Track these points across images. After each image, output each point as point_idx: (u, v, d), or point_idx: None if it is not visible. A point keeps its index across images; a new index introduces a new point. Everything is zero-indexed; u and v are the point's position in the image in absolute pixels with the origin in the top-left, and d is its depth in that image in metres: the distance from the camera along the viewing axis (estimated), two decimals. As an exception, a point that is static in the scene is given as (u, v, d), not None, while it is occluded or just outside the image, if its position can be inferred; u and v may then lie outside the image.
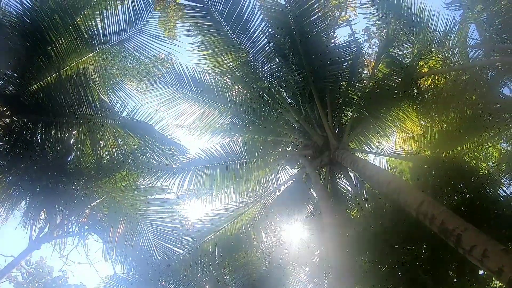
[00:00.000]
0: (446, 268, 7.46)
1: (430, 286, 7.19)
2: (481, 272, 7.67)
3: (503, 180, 9.14)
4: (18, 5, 7.37)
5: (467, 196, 8.23)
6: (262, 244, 9.00)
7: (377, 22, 9.33)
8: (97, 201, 7.78)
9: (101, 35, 7.78)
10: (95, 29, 7.71)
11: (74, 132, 7.95)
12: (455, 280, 7.52)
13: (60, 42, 7.49)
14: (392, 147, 9.22)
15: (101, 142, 7.76)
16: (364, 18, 9.37)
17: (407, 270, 7.26)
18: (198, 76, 8.43)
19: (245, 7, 7.74)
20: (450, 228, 4.64)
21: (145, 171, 7.78)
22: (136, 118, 7.37)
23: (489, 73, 8.34)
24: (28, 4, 7.29)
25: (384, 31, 8.54)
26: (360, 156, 8.58)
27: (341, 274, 8.19)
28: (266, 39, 8.04)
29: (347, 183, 8.83)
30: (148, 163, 7.72)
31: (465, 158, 8.89)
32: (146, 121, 7.27)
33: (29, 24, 7.38)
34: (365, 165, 6.57)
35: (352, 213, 9.24)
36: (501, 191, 8.77)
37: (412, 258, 7.43)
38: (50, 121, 7.64)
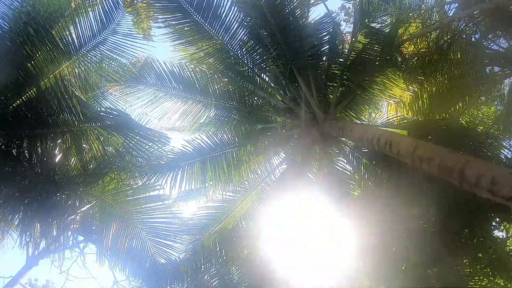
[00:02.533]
0: (459, 232, 6.60)
1: (442, 252, 6.36)
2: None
3: (503, 142, 8.30)
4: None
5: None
6: (265, 235, 8.14)
7: (351, -3, 8.79)
8: (87, 206, 7.11)
9: (76, 42, 7.36)
10: (69, 37, 7.28)
11: (59, 141, 7.35)
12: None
13: (37, 55, 7.03)
14: (385, 118, 8.47)
15: (85, 146, 7.15)
16: (337, -5, 8.82)
17: (416, 237, 6.40)
18: (177, 71, 8.04)
19: (213, -7, 7.19)
20: (450, 165, 3.90)
21: (133, 171, 7.11)
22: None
23: (471, 25, 7.64)
24: (6, 27, 7.02)
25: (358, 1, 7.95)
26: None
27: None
28: (238, 23, 7.48)
29: (344, 160, 8.04)
30: (136, 162, 7.07)
31: (461, 121, 8.11)
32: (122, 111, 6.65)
33: (8, 45, 6.94)
34: (353, 127, 6.00)
35: (354, 193, 8.39)
36: (503, 153, 7.93)
37: (420, 224, 6.61)
38: (35, 134, 7.19)
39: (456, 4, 8.04)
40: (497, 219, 7.18)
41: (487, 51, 8.12)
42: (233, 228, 8.10)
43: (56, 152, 7.43)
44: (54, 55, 7.13)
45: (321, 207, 8.36)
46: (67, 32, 7.34)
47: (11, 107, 7.17)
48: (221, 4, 7.43)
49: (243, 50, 7.92)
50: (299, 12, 7.72)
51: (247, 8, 7.61)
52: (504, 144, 8.22)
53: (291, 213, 8.21)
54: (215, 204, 8.34)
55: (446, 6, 8.68)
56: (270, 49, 7.58)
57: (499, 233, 7.81)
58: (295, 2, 7.59)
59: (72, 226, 7.44)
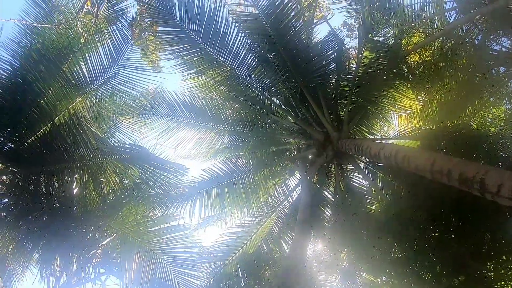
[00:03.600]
0: (480, 237, 6.72)
1: (466, 259, 6.49)
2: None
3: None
4: (8, 67, 7.27)
5: (482, 163, 7.61)
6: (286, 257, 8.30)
7: (352, 13, 9.11)
8: (107, 240, 7.31)
9: (87, 77, 7.66)
10: (80, 72, 7.59)
11: (76, 176, 7.60)
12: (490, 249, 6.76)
13: (49, 91, 7.33)
14: (396, 131, 8.70)
15: (103, 180, 7.39)
16: (339, 12, 9.22)
17: (439, 247, 6.56)
18: (188, 100, 8.29)
19: (219, 23, 7.71)
20: (470, 176, 4.11)
21: (151, 202, 7.34)
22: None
23: (472, 29, 7.93)
24: (17, 64, 7.33)
25: (361, 16, 8.26)
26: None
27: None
28: (246, 49, 7.79)
29: (360, 176, 8.27)
30: (154, 193, 7.30)
31: (472, 124, 8.32)
32: (139, 145, 6.90)
33: (20, 82, 7.23)
34: (369, 145, 6.18)
35: (372, 208, 8.56)
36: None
37: (442, 233, 6.77)
38: (51, 169, 7.47)
39: (457, 10, 8.36)
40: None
41: (491, 52, 8.37)
42: (254, 253, 8.24)
43: (73, 186, 7.66)
44: (66, 90, 7.42)
45: (339, 224, 8.52)
46: (78, 68, 7.65)
47: (26, 143, 7.46)
48: (228, 32, 7.75)
49: (252, 75, 8.21)
50: (303, 33, 8.04)
51: (253, 34, 7.94)
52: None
53: (311, 233, 8.38)
54: (234, 230, 8.51)
55: (446, 13, 8.98)
56: (278, 72, 7.84)
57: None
58: (299, 25, 7.93)
59: (93, 259, 7.64)
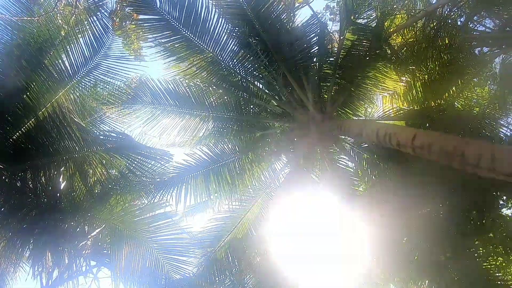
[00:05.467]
0: (467, 215, 6.66)
1: (453, 236, 6.44)
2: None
3: (501, 121, 8.42)
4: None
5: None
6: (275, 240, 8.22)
7: (333, -5, 8.98)
8: (96, 231, 7.16)
9: (69, 69, 7.45)
10: (62, 65, 7.39)
11: (62, 169, 7.42)
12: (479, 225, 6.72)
13: (32, 85, 7.14)
14: (381, 112, 8.58)
15: (89, 171, 7.22)
16: (320, -3, 9.03)
17: (425, 226, 6.49)
18: (172, 88, 8.15)
19: (199, 9, 7.60)
20: (450, 149, 3.97)
21: (138, 191, 7.19)
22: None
23: (455, 10, 7.80)
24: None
25: (342, -1, 8.13)
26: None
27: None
28: (227, 34, 7.63)
29: (345, 157, 8.15)
30: (140, 181, 7.15)
31: (457, 105, 8.24)
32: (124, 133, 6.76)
33: (3, 79, 7.06)
34: (351, 124, 6.04)
35: (359, 189, 8.47)
36: (503, 132, 8.07)
37: (428, 211, 6.70)
38: (37, 164, 7.26)
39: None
40: (504, 197, 7.27)
41: (474, 33, 8.29)
42: (244, 237, 8.20)
43: (60, 180, 7.53)
44: (49, 84, 7.28)
45: (327, 207, 8.45)
46: (60, 60, 7.50)
47: (11, 139, 7.29)
48: (209, 18, 7.64)
49: (235, 60, 8.10)
50: (285, 17, 7.90)
51: (234, 18, 7.84)
52: (502, 122, 8.36)
53: (298, 216, 8.29)
54: (222, 215, 8.47)
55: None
56: (260, 56, 7.77)
57: (508, 211, 7.90)
58: (280, 8, 7.78)
59: (83, 252, 7.53)
